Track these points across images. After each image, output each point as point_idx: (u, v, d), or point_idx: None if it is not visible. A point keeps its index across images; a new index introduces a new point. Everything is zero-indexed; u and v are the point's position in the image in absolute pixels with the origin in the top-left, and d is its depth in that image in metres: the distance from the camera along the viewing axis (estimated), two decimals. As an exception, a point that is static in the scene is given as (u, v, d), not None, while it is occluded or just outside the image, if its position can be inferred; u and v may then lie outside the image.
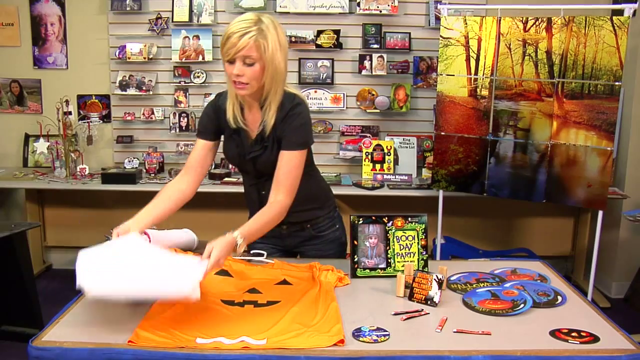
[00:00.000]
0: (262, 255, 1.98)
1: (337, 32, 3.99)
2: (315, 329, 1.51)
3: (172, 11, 3.98)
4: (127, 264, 1.53)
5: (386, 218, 1.93)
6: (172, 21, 3.99)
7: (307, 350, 1.42)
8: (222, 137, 2.01)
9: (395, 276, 1.80)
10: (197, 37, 3.99)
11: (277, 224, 1.85)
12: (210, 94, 4.02)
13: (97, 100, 4.16)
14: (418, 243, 1.93)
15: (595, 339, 1.51)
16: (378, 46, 4.00)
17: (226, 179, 3.76)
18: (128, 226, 1.70)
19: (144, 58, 3.99)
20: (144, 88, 4.07)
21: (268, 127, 1.87)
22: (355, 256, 1.91)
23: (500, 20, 3.27)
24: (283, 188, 1.85)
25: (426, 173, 3.95)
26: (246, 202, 2.14)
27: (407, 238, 1.93)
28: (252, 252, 2.01)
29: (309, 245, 2.13)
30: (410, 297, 1.73)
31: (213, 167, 3.86)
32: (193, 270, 1.53)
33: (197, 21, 3.99)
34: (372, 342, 1.46)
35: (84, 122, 4.05)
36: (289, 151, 1.86)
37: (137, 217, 1.77)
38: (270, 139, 1.89)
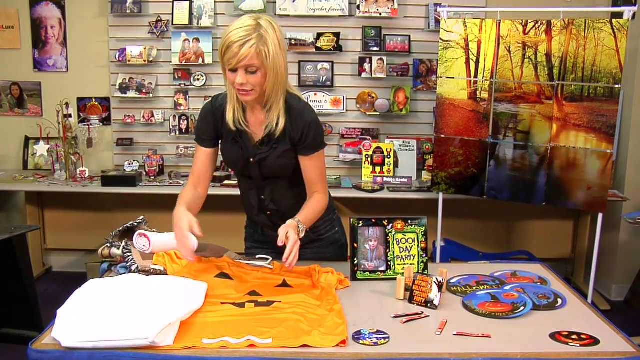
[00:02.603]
0: (267, 260, 1.97)
1: (337, 34, 3.99)
2: (321, 329, 1.51)
3: (172, 14, 3.99)
4: (99, 310, 1.51)
5: (386, 221, 1.93)
6: (172, 24, 4.00)
7: (306, 353, 1.41)
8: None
9: (395, 279, 1.80)
10: (197, 39, 4.00)
11: (321, 215, 1.96)
12: (210, 96, 4.01)
13: (97, 103, 4.16)
14: (418, 246, 1.93)
15: (595, 341, 1.50)
16: (378, 49, 4.00)
17: (226, 181, 3.76)
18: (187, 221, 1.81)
19: (144, 61, 3.99)
20: (144, 91, 4.07)
21: (277, 128, 1.86)
22: (355, 259, 1.91)
23: (500, 23, 3.28)
24: (319, 186, 1.95)
25: (426, 176, 3.94)
26: (245, 207, 2.14)
27: (407, 241, 1.93)
28: (257, 256, 2.01)
29: (308, 248, 2.12)
30: (410, 299, 1.73)
31: (213, 169, 3.87)
32: (165, 315, 1.48)
33: (197, 24, 3.99)
34: (372, 345, 1.46)
35: (84, 125, 4.05)
36: (312, 155, 1.92)
37: (184, 211, 1.85)
38: (280, 140, 1.89)
